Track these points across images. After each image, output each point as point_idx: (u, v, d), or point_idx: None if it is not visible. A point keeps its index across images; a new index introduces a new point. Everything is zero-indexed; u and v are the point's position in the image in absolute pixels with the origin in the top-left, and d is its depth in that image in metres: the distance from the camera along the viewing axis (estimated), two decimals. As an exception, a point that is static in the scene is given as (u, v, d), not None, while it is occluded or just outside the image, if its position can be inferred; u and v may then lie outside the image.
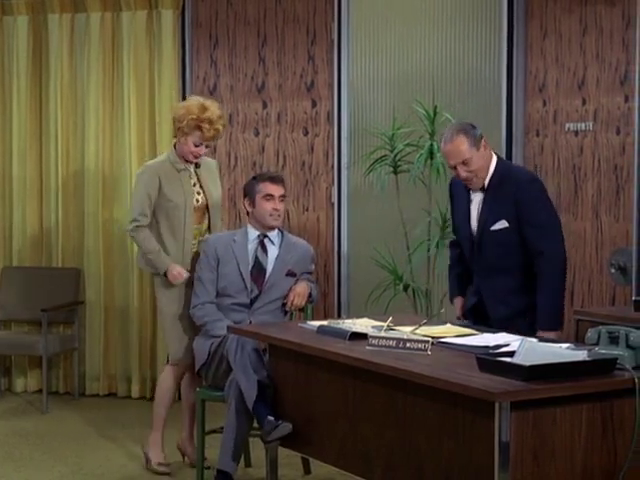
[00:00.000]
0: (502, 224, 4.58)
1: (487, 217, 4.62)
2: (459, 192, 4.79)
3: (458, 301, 4.91)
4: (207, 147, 5.49)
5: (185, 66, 7.07)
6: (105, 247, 7.12)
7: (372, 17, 6.70)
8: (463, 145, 4.52)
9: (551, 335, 4.42)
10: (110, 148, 7.13)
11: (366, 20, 6.71)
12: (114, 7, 7.08)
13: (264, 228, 5.36)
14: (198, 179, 5.51)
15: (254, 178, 5.47)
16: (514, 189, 4.55)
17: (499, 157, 4.69)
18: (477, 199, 4.67)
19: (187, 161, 5.47)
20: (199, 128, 5.37)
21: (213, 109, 5.43)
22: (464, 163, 4.54)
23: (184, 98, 6.70)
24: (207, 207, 5.51)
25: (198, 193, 5.49)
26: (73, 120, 7.18)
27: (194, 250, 5.45)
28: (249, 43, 6.98)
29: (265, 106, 6.97)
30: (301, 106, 6.88)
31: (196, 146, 5.41)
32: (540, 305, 4.53)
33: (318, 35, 6.82)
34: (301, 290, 5.35)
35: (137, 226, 5.38)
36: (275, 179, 5.41)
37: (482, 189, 4.64)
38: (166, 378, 5.53)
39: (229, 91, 7.03)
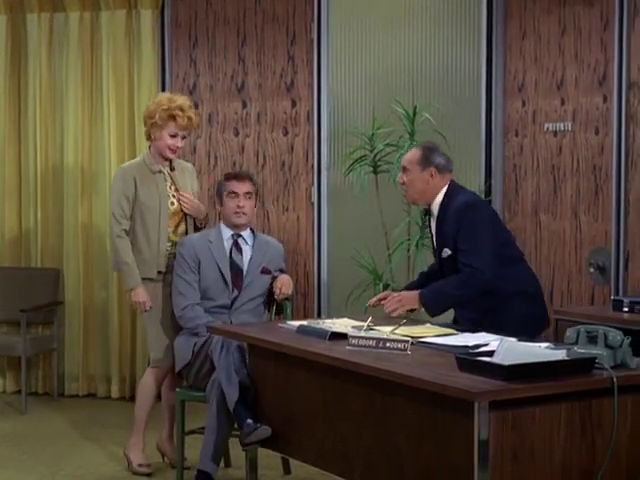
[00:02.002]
0: (446, 252, 4.67)
1: (438, 244, 4.76)
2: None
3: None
4: (183, 138, 5.48)
5: (165, 66, 7.05)
6: (84, 247, 7.09)
7: (352, 17, 6.71)
8: (413, 157, 4.72)
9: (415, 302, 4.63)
10: (89, 148, 7.09)
11: (345, 20, 6.71)
12: (93, 7, 7.04)
13: (234, 227, 5.36)
14: (173, 182, 5.49)
15: (224, 177, 5.48)
16: (451, 220, 4.62)
17: (452, 187, 4.71)
18: (433, 226, 4.80)
19: (165, 159, 5.46)
20: (172, 117, 5.39)
21: (182, 100, 5.48)
22: (403, 169, 4.74)
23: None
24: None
25: (173, 196, 5.47)
26: (52, 120, 7.15)
27: (170, 252, 5.43)
28: (229, 43, 6.96)
29: (245, 106, 6.96)
30: (281, 106, 6.88)
31: (172, 137, 5.40)
32: (436, 286, 4.63)
33: (298, 35, 6.81)
34: (286, 279, 5.38)
35: (122, 230, 5.36)
36: (239, 176, 5.42)
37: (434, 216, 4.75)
38: (147, 381, 5.49)
39: (209, 91, 7.01)
